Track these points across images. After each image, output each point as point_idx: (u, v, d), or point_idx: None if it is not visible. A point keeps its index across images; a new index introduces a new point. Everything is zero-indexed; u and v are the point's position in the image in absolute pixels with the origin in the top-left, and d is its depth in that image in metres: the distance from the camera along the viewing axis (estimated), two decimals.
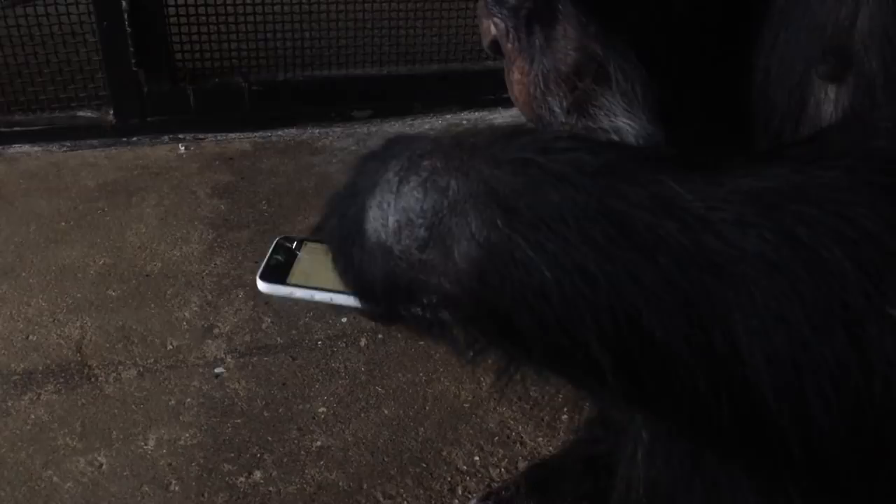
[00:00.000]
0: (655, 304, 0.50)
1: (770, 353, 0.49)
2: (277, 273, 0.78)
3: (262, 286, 0.77)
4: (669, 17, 0.72)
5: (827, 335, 0.48)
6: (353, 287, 0.65)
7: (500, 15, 0.77)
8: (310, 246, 0.82)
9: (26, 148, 2.02)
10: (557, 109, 0.77)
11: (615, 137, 0.76)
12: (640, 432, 0.74)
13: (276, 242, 0.82)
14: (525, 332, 0.52)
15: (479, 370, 1.30)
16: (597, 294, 0.51)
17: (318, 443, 1.27)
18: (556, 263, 0.51)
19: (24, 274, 1.60)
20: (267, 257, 0.80)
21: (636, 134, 0.75)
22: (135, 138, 2.07)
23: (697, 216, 0.51)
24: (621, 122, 0.75)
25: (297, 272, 0.78)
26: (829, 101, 0.66)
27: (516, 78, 0.79)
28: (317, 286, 0.76)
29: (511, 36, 0.77)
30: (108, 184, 1.90)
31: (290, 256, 0.80)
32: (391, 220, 0.57)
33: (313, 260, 0.80)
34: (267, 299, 1.54)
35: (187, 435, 1.27)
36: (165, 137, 2.08)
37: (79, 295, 1.55)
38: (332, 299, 0.75)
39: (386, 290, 0.59)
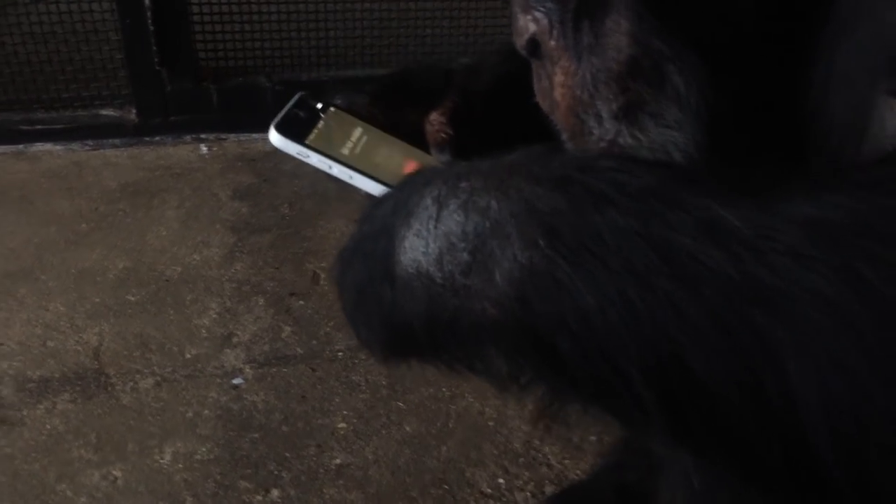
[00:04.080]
0: (699, 339, 0.48)
1: (827, 402, 0.45)
2: (295, 128, 0.71)
3: (274, 138, 0.71)
4: (734, 12, 0.66)
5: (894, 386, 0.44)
6: (378, 330, 0.61)
7: (542, 9, 0.72)
8: (336, 113, 0.77)
9: (49, 147, 2.00)
10: (605, 115, 0.72)
11: (661, 145, 0.71)
12: (684, 472, 0.69)
13: (300, 97, 0.77)
14: (568, 361, 0.50)
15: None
16: (638, 324, 0.48)
17: (338, 460, 1.23)
18: (598, 289, 0.49)
19: (43, 277, 1.58)
20: (286, 108, 0.74)
21: (684, 144, 0.70)
22: (157, 138, 2.04)
23: (748, 245, 0.47)
24: (670, 130, 0.70)
25: (316, 135, 0.73)
26: (895, 118, 0.61)
27: (559, 80, 0.73)
28: (337, 158, 0.71)
29: (555, 32, 0.72)
30: (129, 184, 1.87)
31: (313, 116, 0.74)
32: (433, 246, 0.54)
33: (337, 128, 0.74)
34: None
35: (204, 449, 1.24)
36: (188, 137, 2.05)
37: (97, 300, 1.53)
38: (351, 178, 0.71)
39: (428, 324, 0.57)
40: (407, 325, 0.59)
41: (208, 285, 1.58)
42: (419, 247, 0.56)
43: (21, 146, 1.98)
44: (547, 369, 0.53)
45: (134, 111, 2.03)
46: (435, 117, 0.81)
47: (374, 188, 0.71)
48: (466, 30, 2.16)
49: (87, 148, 2.01)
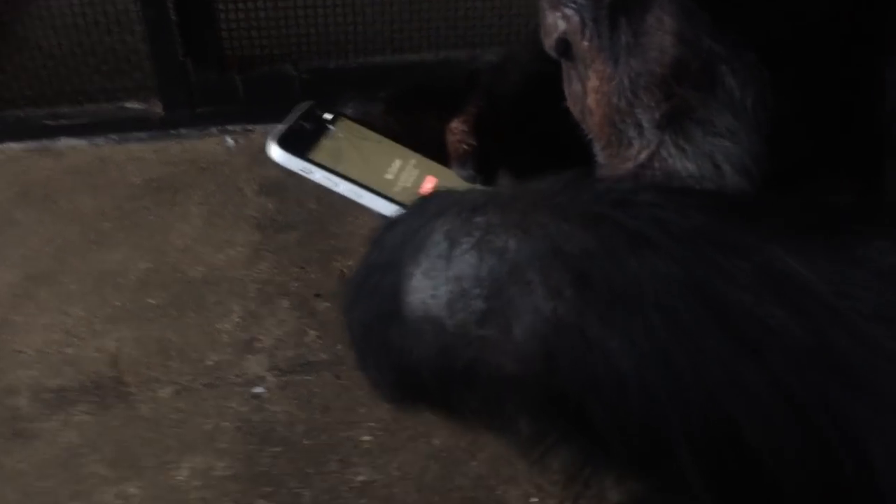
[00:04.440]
0: (759, 411, 0.41)
1: None
2: (299, 142, 0.65)
3: (275, 153, 0.64)
4: (799, 3, 0.57)
5: None
6: (387, 373, 0.55)
7: (573, 4, 0.63)
8: (347, 125, 0.70)
9: (73, 142, 1.95)
10: (646, 123, 0.63)
11: (710, 157, 0.61)
12: None
13: (308, 107, 0.70)
14: (600, 427, 0.44)
15: None
16: (684, 392, 0.42)
17: (361, 477, 1.17)
18: (636, 349, 0.42)
19: (64, 280, 1.53)
20: (291, 120, 0.67)
21: (738, 155, 0.61)
22: (183, 130, 1.98)
23: (822, 304, 0.40)
24: (721, 139, 0.61)
25: (323, 149, 0.65)
26: None
27: (593, 85, 0.64)
28: (344, 174, 0.64)
29: (588, 31, 0.63)
30: (153, 180, 1.82)
31: (320, 127, 0.68)
32: (443, 290, 0.48)
33: (347, 142, 0.67)
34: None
35: (222, 464, 1.19)
36: (214, 129, 1.99)
37: (118, 303, 1.48)
38: (360, 197, 0.63)
39: (439, 373, 0.51)
40: (416, 372, 0.52)
41: (232, 286, 1.52)
42: (428, 288, 0.49)
43: (46, 141, 1.94)
44: (575, 434, 0.48)
45: (159, 104, 1.98)
46: (456, 125, 0.73)
47: (387, 208, 0.63)
48: (500, 11, 2.06)
49: (111, 142, 1.96)
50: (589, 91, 0.66)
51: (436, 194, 0.56)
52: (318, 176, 0.63)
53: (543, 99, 0.80)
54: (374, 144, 0.69)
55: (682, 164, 0.63)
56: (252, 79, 1.98)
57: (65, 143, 1.96)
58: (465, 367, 0.48)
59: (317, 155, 0.64)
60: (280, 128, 0.65)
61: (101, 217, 1.70)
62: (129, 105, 1.99)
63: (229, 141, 1.98)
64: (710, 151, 0.62)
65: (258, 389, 1.31)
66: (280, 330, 1.42)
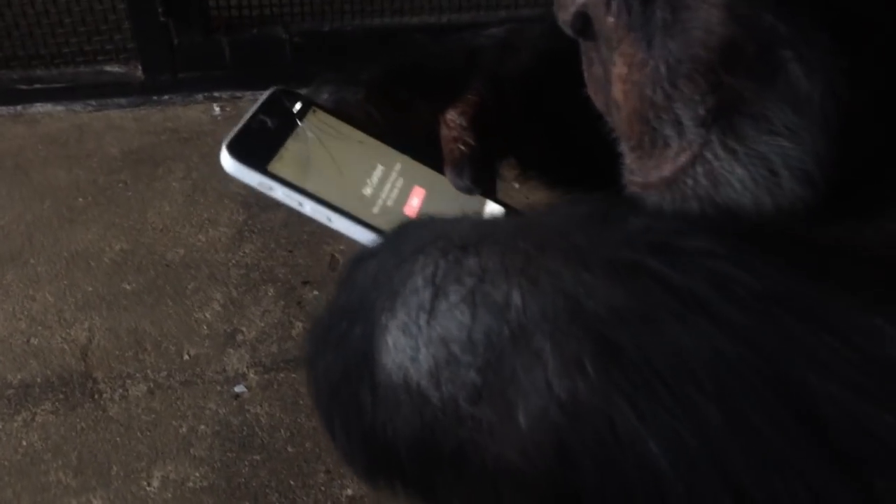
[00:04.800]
0: None
1: None
2: (256, 147, 0.51)
3: (226, 162, 0.50)
4: None
5: None
6: (358, 445, 0.43)
7: None
8: (319, 119, 0.56)
9: (49, 107, 1.83)
10: (687, 120, 0.50)
11: (765, 160, 0.49)
12: None
13: (272, 93, 0.56)
14: None
15: None
16: None
17: (349, 491, 1.07)
18: (682, 451, 0.32)
19: (32, 261, 1.42)
20: (249, 115, 0.54)
21: (800, 158, 0.48)
22: (166, 97, 1.86)
23: None
24: (779, 139, 0.48)
25: (287, 155, 0.52)
26: None
27: (620, 73, 0.51)
28: (312, 192, 0.51)
29: (614, 4, 0.50)
30: (132, 151, 1.70)
31: (285, 124, 0.53)
32: (425, 353, 0.37)
33: (317, 143, 0.54)
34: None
35: (197, 474, 1.08)
36: (199, 96, 1.86)
37: (90, 288, 1.37)
38: (329, 220, 0.50)
39: (420, 455, 0.39)
40: (393, 449, 0.40)
41: (213, 271, 1.41)
42: (406, 348, 0.38)
43: (19, 107, 1.82)
44: None
45: (139, 67, 1.84)
46: (452, 117, 0.60)
47: (362, 235, 0.51)
48: None
49: (89, 109, 1.83)
50: (615, 79, 0.53)
51: (417, 223, 0.44)
52: (279, 193, 0.50)
53: (559, 83, 0.67)
54: (352, 145, 0.56)
55: (731, 169, 0.51)
56: (240, 41, 1.84)
57: (39, 108, 1.83)
58: (453, 451, 0.38)
59: (279, 164, 0.51)
60: (235, 127, 0.52)
61: (75, 192, 1.58)
62: (108, 68, 1.86)
63: (216, 109, 1.85)
64: (765, 154, 0.49)
65: (239, 388, 1.20)
66: (264, 321, 1.31)
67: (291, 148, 0.53)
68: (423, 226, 0.42)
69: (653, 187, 0.52)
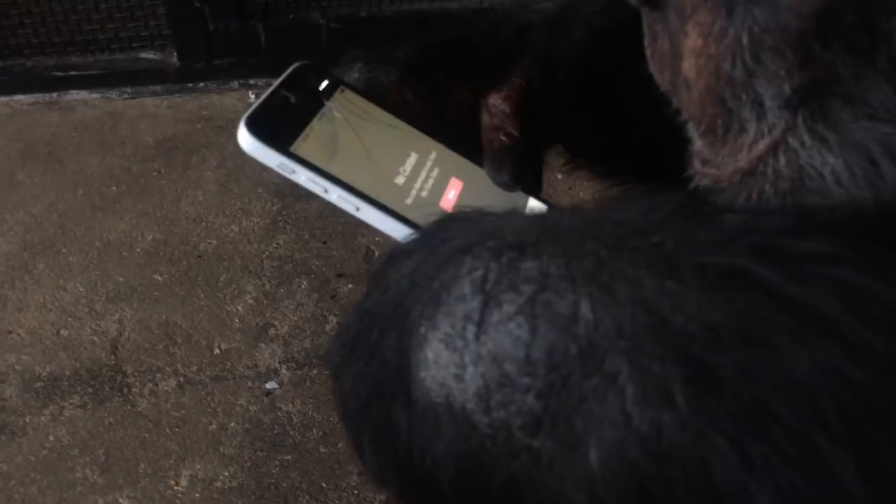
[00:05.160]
0: None
1: None
2: (278, 126, 0.46)
3: (244, 140, 0.45)
4: None
5: None
6: (390, 468, 0.38)
7: None
8: (348, 99, 0.50)
9: (84, 95, 1.80)
10: (771, 101, 0.43)
11: (860, 148, 0.42)
12: None
13: (296, 69, 0.51)
14: None
15: None
16: None
17: (383, 495, 1.02)
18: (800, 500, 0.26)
19: (64, 250, 1.39)
20: (270, 90, 0.48)
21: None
22: (201, 84, 1.82)
23: None
24: (878, 124, 0.42)
25: (312, 137, 0.46)
26: None
27: (693, 45, 0.45)
28: (338, 177, 0.46)
29: None
30: (167, 139, 1.67)
31: (311, 103, 0.48)
32: (472, 372, 0.31)
33: (346, 126, 0.48)
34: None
35: (226, 474, 1.04)
36: (234, 83, 1.83)
37: (121, 279, 1.34)
38: (357, 209, 0.45)
39: (463, 486, 0.34)
40: (431, 478, 0.35)
41: (246, 263, 1.37)
42: (449, 365, 0.32)
43: (55, 94, 1.80)
44: None
45: (174, 54, 1.81)
46: (495, 102, 0.54)
47: (393, 228, 0.45)
48: None
49: (124, 96, 1.80)
50: (686, 53, 0.47)
51: (460, 216, 0.38)
52: (303, 178, 0.45)
53: (615, 64, 0.61)
54: (383, 130, 0.51)
55: (821, 158, 0.44)
56: (276, 27, 1.80)
57: (74, 96, 1.80)
58: (503, 485, 0.32)
59: (303, 145, 0.46)
60: (255, 104, 0.47)
61: (108, 180, 1.56)
62: (143, 55, 1.83)
63: (252, 96, 1.81)
64: (862, 141, 0.43)
65: (271, 385, 1.16)
66: (297, 315, 1.27)
67: (317, 129, 0.48)
68: (468, 220, 0.36)
69: (725, 179, 0.46)
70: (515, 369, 0.30)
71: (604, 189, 0.71)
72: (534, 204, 0.53)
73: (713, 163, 0.45)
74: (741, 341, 0.26)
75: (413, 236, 0.40)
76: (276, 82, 0.50)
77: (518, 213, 0.35)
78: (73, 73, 1.81)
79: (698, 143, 0.49)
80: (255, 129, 0.46)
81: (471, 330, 0.31)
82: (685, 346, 0.26)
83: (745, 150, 0.45)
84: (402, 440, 0.36)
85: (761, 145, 0.44)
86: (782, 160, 0.43)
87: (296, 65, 0.52)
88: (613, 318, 0.28)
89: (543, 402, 0.29)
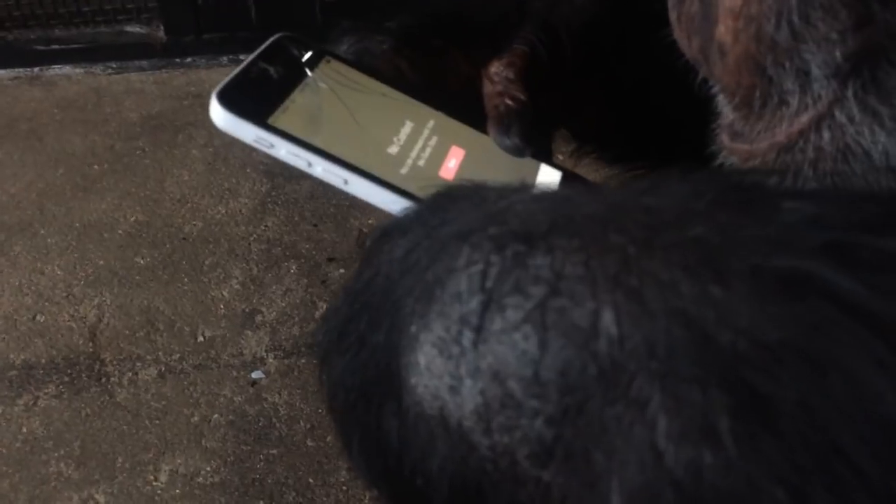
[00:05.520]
0: None
1: None
2: (255, 98, 0.41)
3: (216, 114, 0.40)
4: None
5: None
6: (380, 476, 0.33)
7: None
8: (334, 69, 0.46)
9: (67, 70, 1.74)
10: (818, 68, 0.37)
11: None
12: None
13: (275, 40, 0.46)
14: None
15: None
16: None
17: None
18: None
19: (42, 231, 1.33)
20: (246, 63, 0.43)
21: None
22: (188, 59, 1.76)
23: None
24: None
25: (293, 108, 0.41)
26: None
27: (732, 5, 0.39)
28: (324, 147, 0.40)
29: None
30: (152, 116, 1.60)
31: (293, 74, 0.44)
32: (469, 387, 0.26)
33: (331, 95, 0.43)
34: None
35: (208, 469, 0.99)
36: (224, 59, 1.76)
37: (101, 262, 1.28)
38: (346, 182, 0.40)
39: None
40: (422, 494, 0.30)
41: (232, 246, 1.31)
42: (443, 374, 0.27)
43: (36, 69, 1.73)
44: None
45: (161, 27, 1.74)
46: (498, 69, 0.48)
47: (387, 200, 0.40)
48: None
49: (109, 71, 1.74)
50: (722, 15, 0.40)
51: (460, 190, 0.32)
52: (283, 151, 0.39)
53: (628, 30, 0.55)
54: (375, 99, 0.45)
55: (870, 135, 0.38)
56: (266, 1, 1.73)
57: (57, 71, 1.74)
58: None
59: (283, 116, 0.40)
60: (228, 76, 0.41)
61: (90, 158, 1.49)
62: (129, 29, 1.76)
63: None
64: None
65: (256, 374, 1.11)
66: (285, 301, 1.21)
67: (299, 100, 0.42)
68: (468, 197, 0.30)
69: (758, 155, 0.40)
70: (521, 389, 0.24)
71: (613, 178, 0.66)
72: (545, 177, 0.47)
73: (746, 137, 0.39)
74: (806, 365, 0.20)
75: (410, 210, 0.34)
76: (254, 54, 0.44)
77: (527, 190, 0.29)
78: (56, 46, 1.74)
79: (729, 117, 0.43)
80: (229, 101, 0.40)
81: (468, 336, 0.26)
82: (733, 369, 0.21)
83: (784, 123, 0.39)
84: (392, 448, 0.30)
85: (804, 119, 0.38)
86: (826, 136, 0.37)
87: (275, 36, 0.46)
88: (643, 333, 0.22)
89: (555, 431, 0.24)
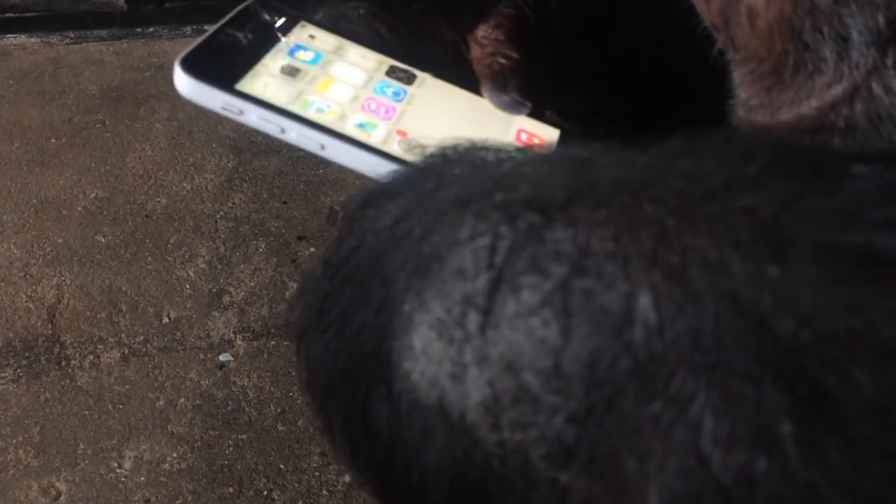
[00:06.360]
0: None
1: None
2: (221, 63, 0.38)
3: (180, 81, 0.37)
4: None
5: None
6: (368, 468, 0.30)
7: None
8: (310, 32, 0.43)
9: (22, 39, 1.67)
10: (858, 35, 0.34)
11: None
12: None
13: (244, 7, 0.43)
14: None
15: None
16: None
17: (347, 477, 0.94)
18: None
19: None
20: (213, 29, 0.40)
21: None
22: (150, 29, 1.69)
23: None
24: None
25: (264, 73, 0.39)
26: None
27: None
28: (296, 112, 0.38)
29: None
30: (112, 88, 1.54)
31: (264, 40, 0.41)
32: (474, 376, 0.23)
33: (310, 60, 0.41)
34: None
35: (175, 455, 0.95)
36: (187, 29, 1.70)
37: (60, 240, 1.22)
38: (323, 147, 0.38)
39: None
40: (416, 490, 0.27)
41: (198, 223, 1.26)
42: (443, 359, 0.23)
43: None
44: None
45: None
46: (486, 33, 0.45)
47: (370, 164, 0.37)
48: None
49: (67, 41, 1.67)
50: None
51: (461, 151, 0.29)
52: (254, 118, 0.36)
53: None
54: (352, 60, 0.41)
55: None
56: None
57: (11, 40, 1.66)
58: None
59: (252, 81, 0.37)
60: (193, 43, 0.37)
61: (47, 132, 1.43)
62: None
63: None
64: None
65: (224, 357, 1.07)
66: (254, 280, 1.17)
67: (269, 64, 0.39)
68: (470, 159, 0.27)
69: (782, 128, 0.37)
70: (538, 382, 0.21)
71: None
72: (544, 135, 0.44)
73: (768, 110, 0.37)
74: (881, 359, 0.17)
75: (397, 173, 0.30)
76: (221, 21, 0.41)
77: (537, 151, 0.26)
78: (10, 14, 1.67)
79: (751, 88, 0.40)
80: (193, 67, 0.37)
81: (473, 319, 0.23)
82: (794, 362, 0.18)
83: (814, 95, 0.36)
84: (382, 437, 0.27)
85: (838, 89, 0.35)
86: (858, 108, 0.35)
87: (246, 2, 0.43)
88: (686, 320, 0.19)
89: (577, 430, 0.21)
